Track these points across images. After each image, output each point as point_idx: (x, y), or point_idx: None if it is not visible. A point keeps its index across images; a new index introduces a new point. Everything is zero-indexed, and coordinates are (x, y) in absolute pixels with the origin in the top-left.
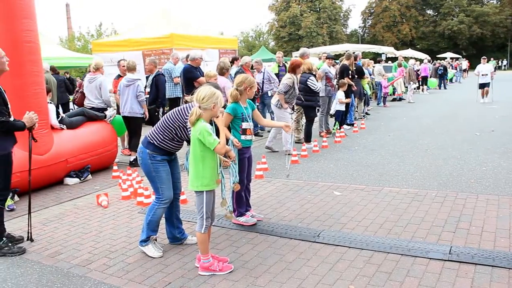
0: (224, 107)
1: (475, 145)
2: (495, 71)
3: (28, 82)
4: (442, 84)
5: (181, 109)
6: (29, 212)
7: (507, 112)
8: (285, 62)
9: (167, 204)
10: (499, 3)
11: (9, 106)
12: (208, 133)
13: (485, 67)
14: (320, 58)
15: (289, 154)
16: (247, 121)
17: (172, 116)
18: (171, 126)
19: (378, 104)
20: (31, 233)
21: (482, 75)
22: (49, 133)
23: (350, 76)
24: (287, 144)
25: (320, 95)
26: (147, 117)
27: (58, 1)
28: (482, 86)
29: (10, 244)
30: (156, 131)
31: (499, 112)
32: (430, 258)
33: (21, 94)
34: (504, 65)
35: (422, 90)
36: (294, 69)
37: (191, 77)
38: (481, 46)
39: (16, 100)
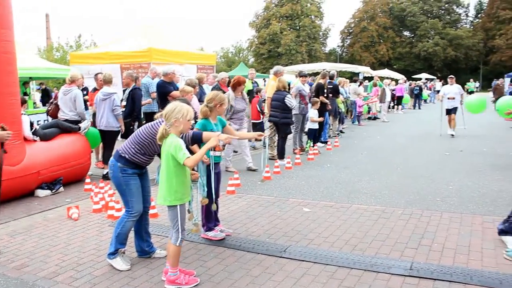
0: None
1: (444, 164)
2: (467, 92)
3: (3, 93)
4: (417, 104)
5: (152, 125)
6: None
7: (477, 132)
8: (263, 79)
9: (137, 217)
10: (471, 27)
11: None
12: (179, 148)
13: (452, 88)
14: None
15: (254, 170)
16: None
17: (144, 131)
18: (142, 141)
19: (353, 122)
20: None
21: (448, 98)
22: (21, 144)
23: (325, 95)
24: (248, 159)
25: (294, 112)
26: (123, 131)
27: (38, 10)
28: (448, 112)
29: None
30: (128, 145)
31: (469, 132)
32: (392, 274)
33: None
34: (476, 87)
35: (397, 109)
36: (235, 86)
37: (163, 92)
38: (455, 68)
39: None
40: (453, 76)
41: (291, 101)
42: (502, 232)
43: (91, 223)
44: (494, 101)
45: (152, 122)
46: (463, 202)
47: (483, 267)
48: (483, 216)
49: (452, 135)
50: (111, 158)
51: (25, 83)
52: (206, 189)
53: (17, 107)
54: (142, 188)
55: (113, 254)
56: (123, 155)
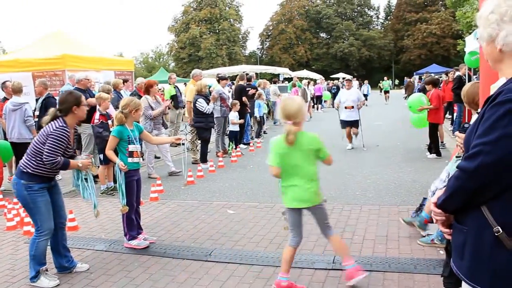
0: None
1: (362, 159)
2: (366, 98)
3: None
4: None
5: (44, 131)
6: None
7: (391, 128)
8: (184, 83)
9: (48, 235)
10: (382, 29)
11: None
12: None
13: (351, 94)
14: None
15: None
16: (134, 144)
17: (40, 140)
18: (41, 150)
19: (274, 123)
20: None
21: (346, 107)
22: None
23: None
24: (170, 164)
25: (216, 115)
26: None
27: None
28: (346, 124)
29: None
30: (28, 159)
31: (383, 128)
32: (316, 269)
33: None
34: (394, 85)
35: (317, 108)
36: (147, 89)
37: None
38: (370, 67)
39: None
40: (350, 79)
41: (202, 104)
42: None
43: (5, 241)
44: (406, 98)
45: (43, 129)
46: (380, 194)
47: (400, 255)
48: (398, 206)
49: (352, 147)
50: (13, 177)
51: None
52: (125, 197)
53: None
54: (53, 203)
55: (35, 277)
56: (25, 170)
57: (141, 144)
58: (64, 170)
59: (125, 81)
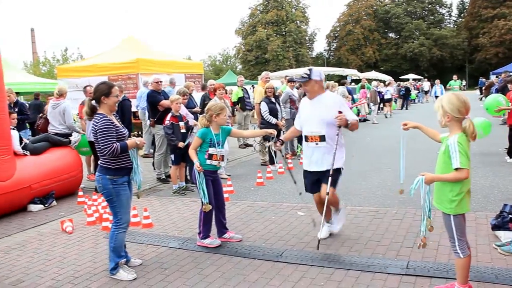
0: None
1: (434, 163)
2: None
3: None
4: (405, 105)
5: (91, 129)
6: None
7: None
8: (252, 86)
9: (126, 228)
10: (455, 27)
11: None
12: None
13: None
14: (282, 82)
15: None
16: (215, 147)
17: (95, 138)
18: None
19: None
20: None
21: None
22: (11, 159)
23: None
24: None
25: (286, 117)
26: None
27: (23, 25)
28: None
29: None
30: (101, 155)
31: None
32: (389, 273)
33: None
34: (464, 85)
35: (387, 111)
36: (214, 92)
37: (153, 101)
38: (441, 68)
39: None
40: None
41: (263, 108)
42: (495, 227)
43: (86, 236)
44: (481, 99)
45: (91, 128)
46: None
47: (478, 263)
48: (476, 212)
49: None
50: (97, 173)
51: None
52: (207, 196)
53: (6, 123)
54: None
55: (114, 269)
56: (107, 166)
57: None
58: (126, 152)
59: (203, 86)
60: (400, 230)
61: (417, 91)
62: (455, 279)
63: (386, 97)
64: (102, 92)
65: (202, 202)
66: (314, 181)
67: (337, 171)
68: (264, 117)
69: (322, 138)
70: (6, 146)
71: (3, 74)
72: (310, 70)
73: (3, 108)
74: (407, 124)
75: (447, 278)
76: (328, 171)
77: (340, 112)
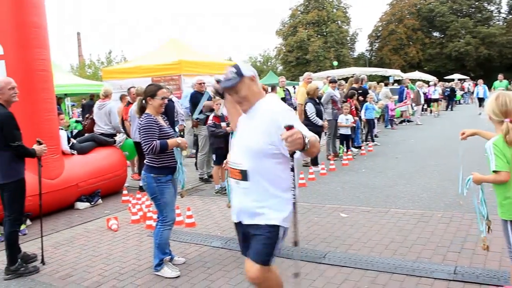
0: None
1: (483, 165)
2: (482, 102)
3: (40, 109)
4: (450, 106)
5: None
6: (41, 236)
7: None
8: (293, 86)
9: (171, 225)
10: (505, 24)
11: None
12: None
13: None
14: (324, 83)
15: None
16: None
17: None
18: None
19: (385, 126)
20: (43, 256)
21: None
22: (60, 158)
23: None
24: None
25: (327, 118)
26: None
27: (70, 30)
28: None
29: (25, 264)
30: (147, 154)
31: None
32: (435, 278)
33: (33, 120)
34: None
35: (431, 112)
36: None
37: (196, 102)
38: (489, 67)
39: (29, 126)
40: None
41: (311, 109)
42: None
43: (131, 233)
44: None
45: (138, 121)
46: None
47: None
48: None
49: None
50: (142, 172)
51: (59, 99)
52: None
53: (55, 123)
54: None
55: (159, 265)
56: (151, 164)
57: None
58: (166, 150)
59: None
60: (447, 234)
61: (463, 92)
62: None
63: (433, 97)
64: (148, 93)
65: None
66: (242, 238)
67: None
68: (311, 118)
69: (244, 175)
70: (55, 146)
71: (53, 76)
72: (236, 65)
73: (52, 109)
74: (465, 133)
75: (498, 285)
76: (257, 228)
77: (289, 128)
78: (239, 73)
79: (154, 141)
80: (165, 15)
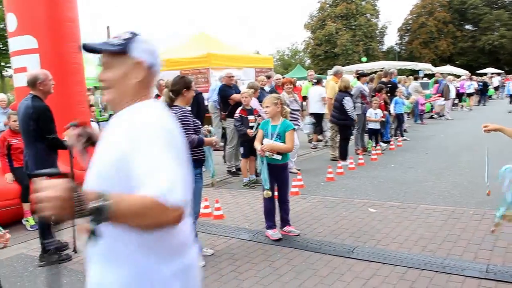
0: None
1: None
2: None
3: (73, 102)
4: (482, 101)
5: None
6: (73, 225)
7: None
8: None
9: (196, 218)
10: None
11: None
12: None
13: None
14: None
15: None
16: (267, 138)
17: None
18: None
19: (415, 121)
20: (75, 244)
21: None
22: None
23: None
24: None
25: (356, 112)
26: None
27: (99, 23)
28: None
29: (58, 252)
30: None
31: None
32: (466, 276)
33: (67, 112)
34: None
35: (461, 106)
36: (282, 86)
37: (224, 95)
38: None
39: (62, 118)
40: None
41: (349, 104)
42: None
43: None
44: None
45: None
46: None
47: None
48: None
49: None
50: None
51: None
52: (268, 183)
53: (86, 115)
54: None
55: None
56: None
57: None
58: (200, 146)
59: (268, 77)
60: (478, 232)
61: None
62: None
63: (468, 91)
64: (184, 85)
65: (263, 188)
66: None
67: None
68: (350, 112)
69: None
70: None
71: (84, 69)
72: (134, 33)
73: (85, 101)
74: (488, 126)
75: None
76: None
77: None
78: (126, 45)
79: (192, 136)
80: (193, 8)
